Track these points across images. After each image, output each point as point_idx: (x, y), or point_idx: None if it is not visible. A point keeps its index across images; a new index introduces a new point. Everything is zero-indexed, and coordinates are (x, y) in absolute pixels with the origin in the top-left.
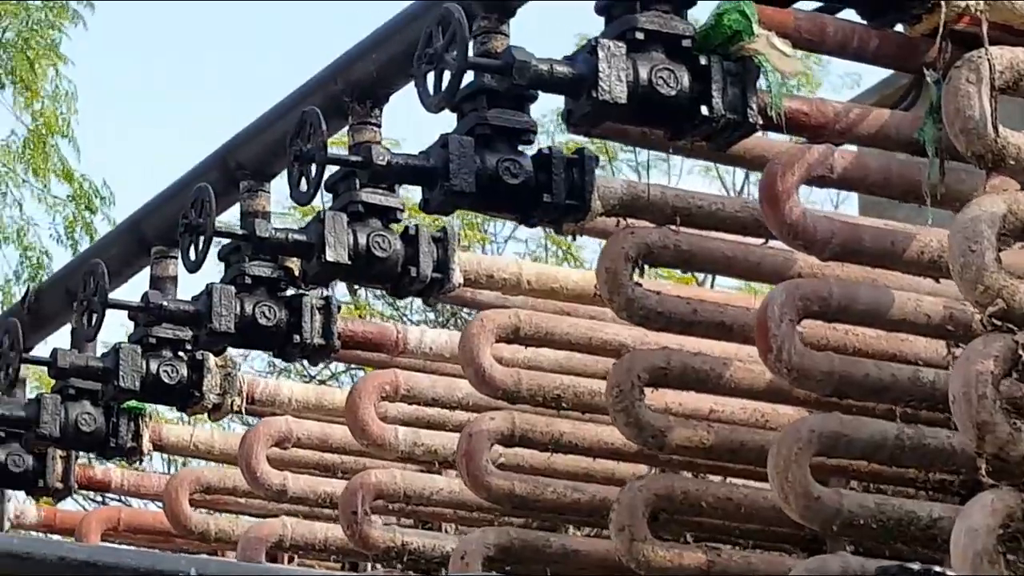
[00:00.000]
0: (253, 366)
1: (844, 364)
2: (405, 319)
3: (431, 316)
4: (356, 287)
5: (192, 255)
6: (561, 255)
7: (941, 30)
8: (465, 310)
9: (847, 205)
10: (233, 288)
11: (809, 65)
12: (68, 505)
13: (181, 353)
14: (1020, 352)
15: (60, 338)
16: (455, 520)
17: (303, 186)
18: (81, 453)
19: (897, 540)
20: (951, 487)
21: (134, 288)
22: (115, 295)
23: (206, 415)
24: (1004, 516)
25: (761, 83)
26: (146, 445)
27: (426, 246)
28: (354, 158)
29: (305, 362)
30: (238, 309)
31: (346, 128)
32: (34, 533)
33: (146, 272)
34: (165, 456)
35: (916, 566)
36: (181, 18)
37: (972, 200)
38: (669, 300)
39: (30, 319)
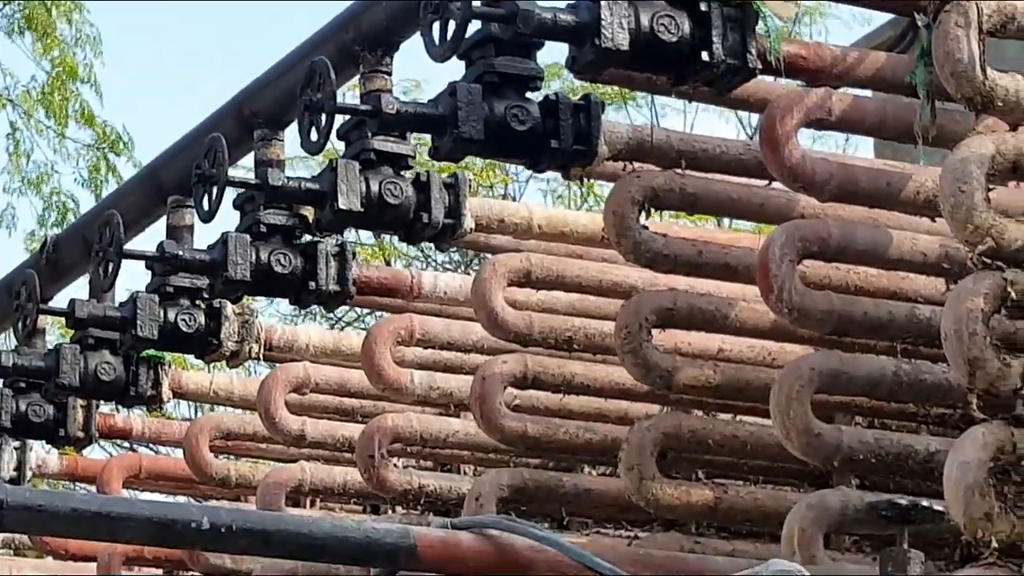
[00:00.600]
0: (279, 309)
1: (843, 303)
2: (429, 260)
3: (455, 257)
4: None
5: (206, 205)
6: (582, 194)
7: None
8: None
9: (864, 148)
10: (248, 236)
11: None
12: (92, 453)
13: (198, 301)
14: (1009, 289)
15: (79, 288)
16: (471, 462)
17: (313, 135)
18: (102, 402)
19: (896, 474)
20: (950, 420)
21: (152, 237)
22: (133, 244)
23: (224, 363)
24: (994, 449)
25: (760, 28)
26: (166, 393)
27: (437, 192)
28: (363, 107)
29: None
30: (253, 257)
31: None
32: (56, 482)
33: (163, 221)
34: (188, 403)
35: (904, 500)
36: None
37: (962, 141)
38: (675, 242)
39: (48, 269)
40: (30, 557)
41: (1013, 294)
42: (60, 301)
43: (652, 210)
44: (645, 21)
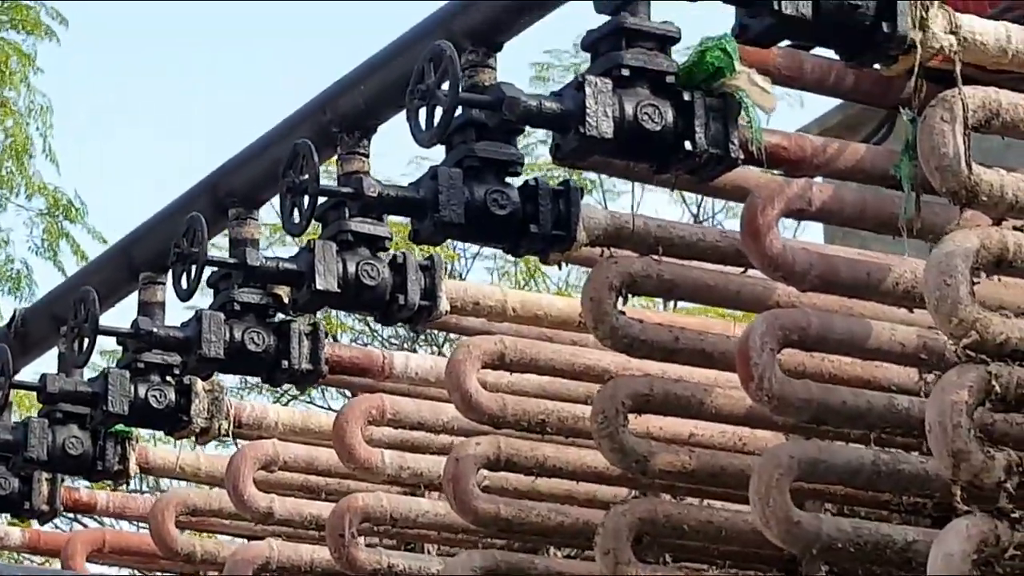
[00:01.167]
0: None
1: (821, 392)
2: (376, 334)
3: (401, 332)
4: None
5: (184, 284)
6: (528, 271)
7: (916, 70)
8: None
9: (813, 233)
10: (222, 315)
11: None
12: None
13: (169, 378)
14: (993, 383)
15: (45, 363)
16: (439, 541)
17: (296, 217)
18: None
19: (874, 563)
20: (924, 509)
21: (119, 313)
22: (102, 320)
23: (193, 439)
24: (979, 542)
25: (742, 118)
26: (132, 468)
27: (414, 274)
28: (345, 190)
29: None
30: (227, 335)
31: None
32: (19, 555)
33: (129, 297)
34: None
35: None
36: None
37: (946, 235)
38: (652, 328)
39: (16, 344)
40: None
41: (997, 387)
42: (26, 375)
43: (629, 296)
44: (629, 110)
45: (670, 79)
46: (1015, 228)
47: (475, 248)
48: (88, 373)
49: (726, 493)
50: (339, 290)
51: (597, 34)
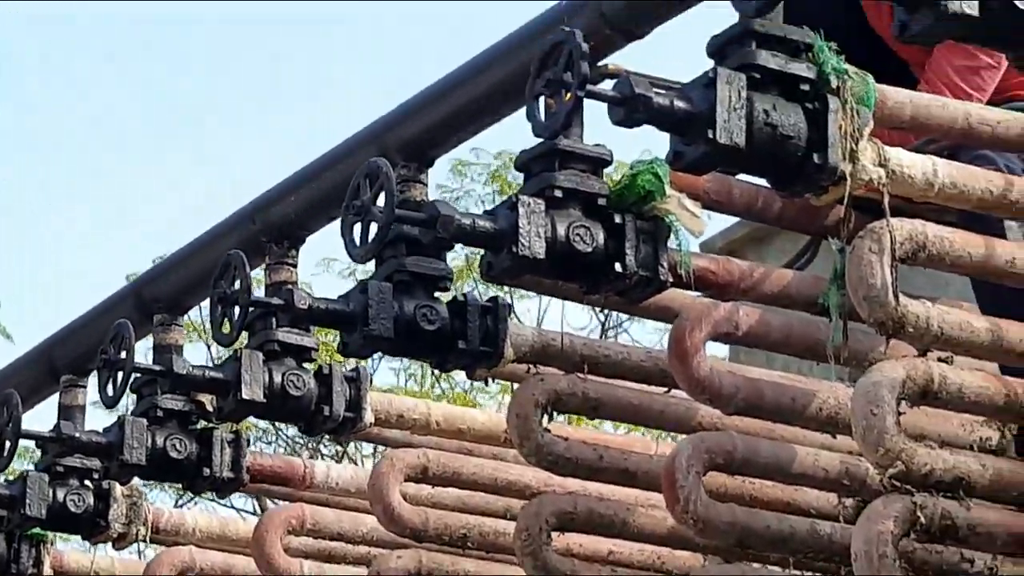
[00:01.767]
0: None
1: (746, 516)
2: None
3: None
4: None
5: (110, 390)
6: (434, 377)
7: (846, 201)
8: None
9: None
10: (145, 421)
11: None
12: None
13: (88, 482)
14: (918, 513)
15: None
16: None
17: (226, 327)
18: None
19: None
20: None
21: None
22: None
23: (111, 544)
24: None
25: (671, 242)
26: (46, 571)
27: (339, 385)
28: (276, 301)
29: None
30: (149, 441)
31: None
32: None
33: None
34: None
35: None
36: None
37: (872, 364)
38: (576, 446)
39: None
40: None
41: (922, 518)
42: None
43: (554, 414)
44: (561, 231)
45: (602, 201)
46: (940, 360)
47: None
48: None
49: None
50: (264, 400)
51: (530, 154)
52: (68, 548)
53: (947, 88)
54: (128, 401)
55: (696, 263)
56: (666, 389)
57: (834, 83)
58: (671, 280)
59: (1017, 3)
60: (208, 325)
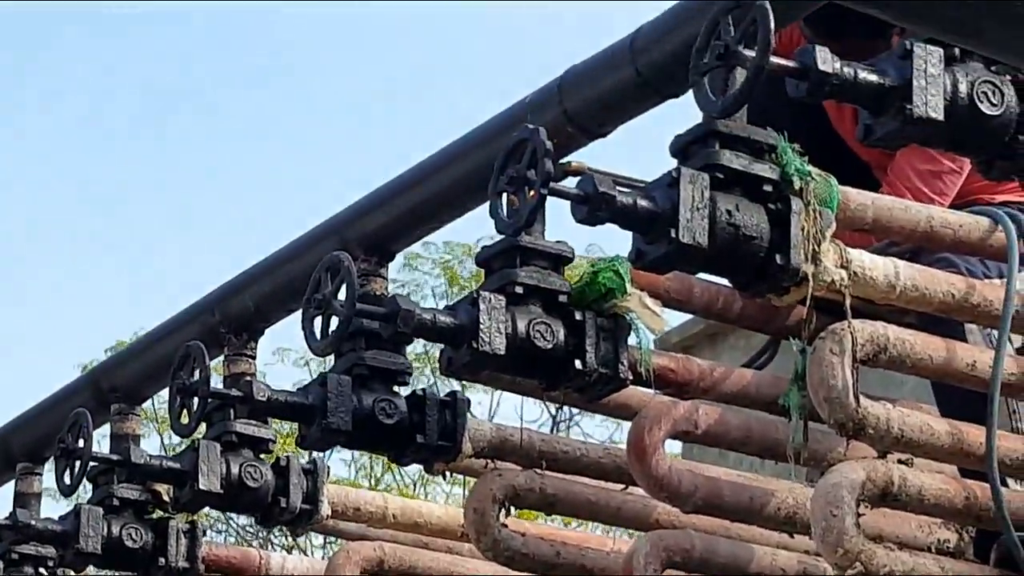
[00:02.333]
0: None
1: None
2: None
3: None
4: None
5: (67, 479)
6: (384, 465)
7: (808, 302)
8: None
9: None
10: (101, 509)
11: None
12: None
13: (43, 570)
14: None
15: None
16: None
17: (184, 418)
18: None
19: None
20: None
21: None
22: None
23: None
24: None
25: (631, 339)
26: None
27: (296, 477)
28: (235, 393)
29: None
30: (105, 530)
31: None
32: None
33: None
34: None
35: None
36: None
37: (832, 466)
38: (533, 542)
39: None
40: None
41: None
42: None
43: (511, 509)
44: (522, 327)
45: (563, 298)
46: (899, 461)
47: None
48: None
49: None
50: (222, 491)
51: (492, 251)
52: None
53: (909, 192)
54: (83, 490)
55: (656, 361)
56: (623, 486)
57: (797, 184)
58: (631, 378)
59: (981, 108)
60: (162, 414)
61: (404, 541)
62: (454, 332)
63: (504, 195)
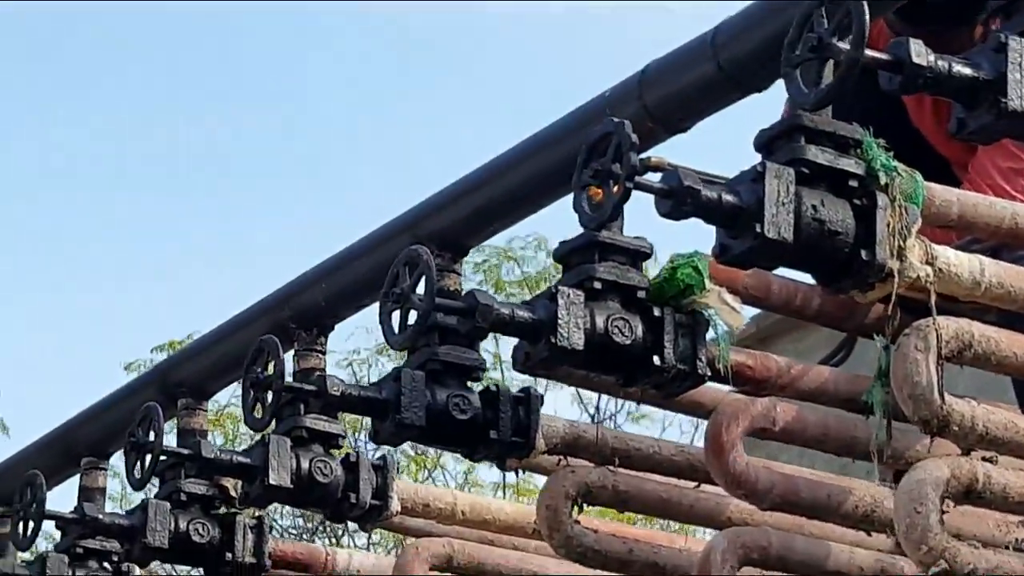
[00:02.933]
0: None
1: None
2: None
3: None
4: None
5: (137, 473)
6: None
7: (893, 299)
8: None
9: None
10: (168, 504)
11: None
12: None
13: (107, 565)
14: None
15: None
16: None
17: (258, 412)
18: None
19: None
20: None
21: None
22: None
23: None
24: None
25: (710, 335)
26: None
27: (366, 473)
28: (309, 387)
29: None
30: (172, 525)
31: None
32: None
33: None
34: None
35: None
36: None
37: (917, 463)
38: (606, 539)
39: None
40: None
41: None
42: None
43: (584, 506)
44: (600, 322)
45: (641, 294)
46: (983, 459)
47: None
48: None
49: None
50: (292, 486)
51: (570, 246)
52: None
53: (991, 188)
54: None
55: (733, 358)
56: (696, 484)
57: (883, 180)
58: (709, 374)
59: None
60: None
61: (469, 538)
62: (532, 327)
63: (584, 190)
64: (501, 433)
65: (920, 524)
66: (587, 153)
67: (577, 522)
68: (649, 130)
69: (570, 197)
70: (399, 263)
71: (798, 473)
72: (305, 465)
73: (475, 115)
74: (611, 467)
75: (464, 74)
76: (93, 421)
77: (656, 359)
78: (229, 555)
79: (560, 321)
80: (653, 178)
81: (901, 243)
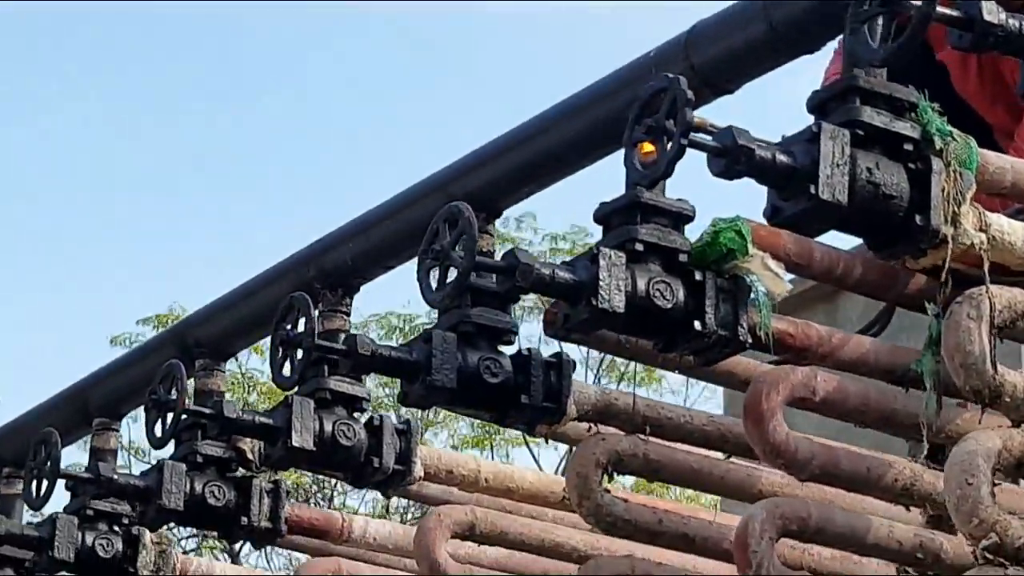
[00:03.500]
0: None
1: None
2: None
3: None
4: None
5: (158, 431)
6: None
7: (947, 266)
8: None
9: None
10: (184, 466)
11: None
12: None
13: (116, 527)
14: None
15: None
16: None
17: (287, 370)
18: None
19: None
20: None
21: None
22: None
23: None
24: None
25: (751, 301)
26: None
27: (390, 437)
28: (339, 346)
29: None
30: (188, 487)
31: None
32: None
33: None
34: None
35: None
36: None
37: (968, 434)
38: (635, 508)
39: None
40: None
41: None
42: None
43: (614, 475)
44: (641, 285)
45: (683, 257)
46: None
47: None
48: None
49: None
50: (314, 448)
51: (612, 206)
52: None
53: None
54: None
55: (775, 325)
56: (726, 455)
57: (938, 144)
58: (750, 341)
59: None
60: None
61: (490, 506)
62: (573, 288)
63: (635, 147)
64: (532, 398)
65: (971, 496)
66: (639, 109)
67: (607, 491)
68: (695, 91)
69: (598, 163)
70: (439, 219)
71: (838, 445)
72: (328, 427)
73: (475, 115)
74: (641, 435)
75: (464, 74)
76: (107, 381)
77: (697, 324)
78: (245, 519)
79: (601, 283)
80: (704, 137)
81: (956, 209)
